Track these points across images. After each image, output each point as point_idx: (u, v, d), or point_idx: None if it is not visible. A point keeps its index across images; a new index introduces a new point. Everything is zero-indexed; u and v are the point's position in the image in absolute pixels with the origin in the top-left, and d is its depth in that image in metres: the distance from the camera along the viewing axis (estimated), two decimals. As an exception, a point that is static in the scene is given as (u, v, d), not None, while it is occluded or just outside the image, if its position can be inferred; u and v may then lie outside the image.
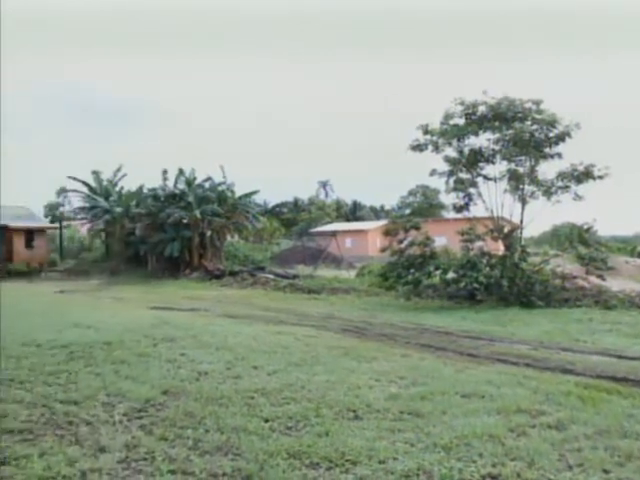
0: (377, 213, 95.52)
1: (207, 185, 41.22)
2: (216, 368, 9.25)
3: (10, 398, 7.32)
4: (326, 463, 5.29)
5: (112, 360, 9.81)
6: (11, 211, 44.68)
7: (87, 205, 45.39)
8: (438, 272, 21.86)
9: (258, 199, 48.60)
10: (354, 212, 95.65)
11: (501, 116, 21.66)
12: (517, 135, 21.27)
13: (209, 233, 40.08)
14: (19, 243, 42.99)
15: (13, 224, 42.78)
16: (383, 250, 23.97)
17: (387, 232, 23.81)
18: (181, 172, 41.59)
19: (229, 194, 41.06)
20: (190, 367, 9.34)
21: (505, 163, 22.30)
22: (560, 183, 21.71)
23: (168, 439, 5.92)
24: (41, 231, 45.24)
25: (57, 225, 53.57)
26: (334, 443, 5.73)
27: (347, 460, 5.34)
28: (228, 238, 44.20)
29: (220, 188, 40.91)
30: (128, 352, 10.51)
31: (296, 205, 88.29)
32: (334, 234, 47.07)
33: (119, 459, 5.38)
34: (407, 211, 70.30)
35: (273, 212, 76.02)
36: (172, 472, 5.09)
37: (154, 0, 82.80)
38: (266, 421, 6.49)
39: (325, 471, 5.15)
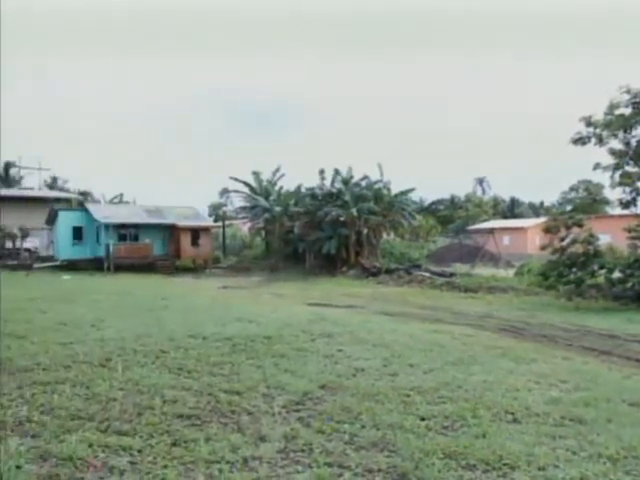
0: (536, 210, 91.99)
1: (363, 183, 41.58)
2: (372, 365, 9.33)
3: (180, 385, 7.74)
4: (483, 466, 5.20)
5: (272, 353, 10.13)
6: (179, 211, 47.30)
7: (248, 204, 47.28)
8: (602, 271, 20.91)
9: (414, 196, 48.34)
10: (512, 209, 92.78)
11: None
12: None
13: (365, 231, 40.38)
14: (186, 241, 45.35)
15: (181, 223, 45.23)
16: (543, 248, 23.20)
17: (547, 229, 22.99)
18: (337, 172, 42.29)
19: (385, 192, 41.22)
20: (347, 363, 9.47)
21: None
22: None
23: (325, 432, 6.04)
24: (206, 230, 47.45)
25: (220, 224, 56.03)
26: (491, 445, 5.62)
27: (505, 464, 5.21)
28: (384, 236, 44.33)
29: (376, 186, 41.13)
30: (287, 346, 10.81)
31: (452, 202, 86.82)
32: (492, 232, 45.97)
33: (278, 449, 5.56)
34: (568, 207, 67.01)
35: (429, 209, 75.13)
36: (329, 465, 5.19)
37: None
38: (422, 419, 6.47)
39: (482, 474, 5.06)
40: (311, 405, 7.02)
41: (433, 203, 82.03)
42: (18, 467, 4.83)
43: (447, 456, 5.38)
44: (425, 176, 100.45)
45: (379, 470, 5.09)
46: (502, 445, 5.62)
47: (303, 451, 5.52)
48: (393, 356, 10.11)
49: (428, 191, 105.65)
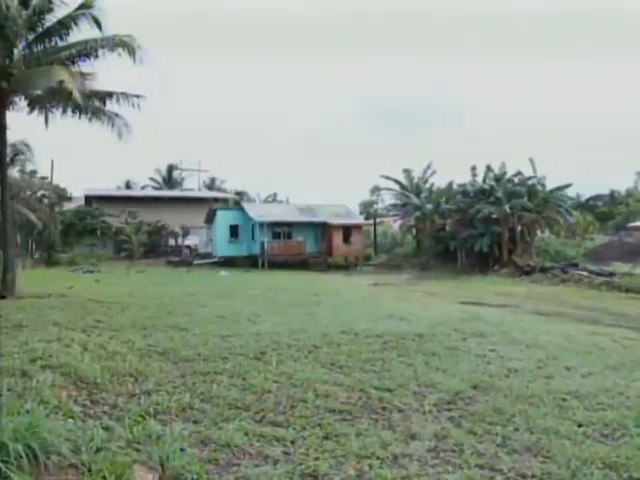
0: None
1: (516, 180, 40.39)
2: (526, 366, 9.09)
3: (331, 380, 7.88)
4: (648, 480, 4.91)
5: (423, 351, 10.09)
6: (331, 209, 48.18)
7: (399, 202, 47.32)
8: None
9: (571, 192, 46.21)
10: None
11: None
12: None
13: (519, 228, 39.25)
14: (338, 239, 46.10)
15: (332, 221, 46.03)
16: None
17: None
18: (489, 168, 41.41)
19: (539, 188, 39.76)
20: (500, 363, 9.28)
21: None
22: None
23: (476, 433, 5.96)
24: (357, 227, 47.99)
25: (371, 221, 56.36)
26: (658, 459, 5.29)
27: (674, 481, 4.90)
28: (539, 233, 42.84)
29: (530, 182, 39.79)
30: (438, 345, 10.73)
31: (612, 198, 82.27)
32: (657, 229, 43.26)
33: (428, 448, 5.55)
34: None
35: (586, 205, 71.70)
36: (480, 467, 5.11)
37: None
38: (579, 426, 6.22)
39: (647, 488, 4.80)
40: (462, 405, 6.95)
41: (591, 199, 78.29)
42: (182, 450, 5.12)
43: (607, 466, 5.14)
44: (583, 171, 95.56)
45: (533, 476, 4.96)
46: (670, 460, 5.29)
47: (454, 451, 5.48)
48: (548, 358, 9.81)
49: (586, 186, 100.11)
